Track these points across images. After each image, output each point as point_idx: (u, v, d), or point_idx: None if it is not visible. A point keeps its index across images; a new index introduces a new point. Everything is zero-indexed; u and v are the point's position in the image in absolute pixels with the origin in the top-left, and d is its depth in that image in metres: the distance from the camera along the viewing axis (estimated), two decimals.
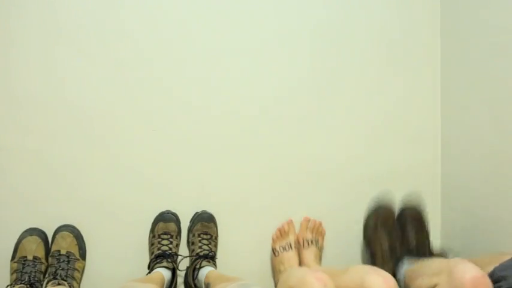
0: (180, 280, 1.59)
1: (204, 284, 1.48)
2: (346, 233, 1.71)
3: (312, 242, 1.63)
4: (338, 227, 1.71)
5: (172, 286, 1.53)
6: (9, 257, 1.48)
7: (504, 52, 1.47)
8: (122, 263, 1.58)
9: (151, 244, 1.57)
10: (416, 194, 1.69)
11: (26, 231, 1.50)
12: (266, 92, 1.69)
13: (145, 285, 1.37)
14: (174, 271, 1.53)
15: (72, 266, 1.49)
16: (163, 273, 1.50)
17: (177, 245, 1.58)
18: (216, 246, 1.61)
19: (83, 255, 1.54)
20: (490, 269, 1.18)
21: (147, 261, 1.56)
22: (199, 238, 1.57)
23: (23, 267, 1.45)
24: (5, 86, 1.56)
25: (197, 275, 1.53)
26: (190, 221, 1.62)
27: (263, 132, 1.68)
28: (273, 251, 1.64)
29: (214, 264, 1.56)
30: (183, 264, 1.58)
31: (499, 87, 1.49)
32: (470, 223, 1.60)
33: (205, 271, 1.51)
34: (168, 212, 1.59)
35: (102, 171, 1.59)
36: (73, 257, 1.51)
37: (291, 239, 1.63)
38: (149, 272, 1.53)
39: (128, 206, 1.60)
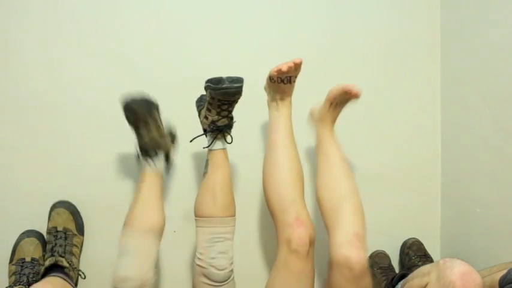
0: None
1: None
2: None
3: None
4: None
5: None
6: (7, 260, 1.47)
7: (504, 52, 1.46)
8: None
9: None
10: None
11: (23, 233, 1.50)
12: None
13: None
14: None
15: (70, 242, 1.47)
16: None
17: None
18: None
19: (80, 230, 1.51)
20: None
21: None
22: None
23: (21, 269, 1.44)
24: (5, 85, 1.54)
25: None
26: None
27: (264, 133, 1.67)
28: (270, 77, 1.43)
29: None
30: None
31: (499, 87, 1.49)
32: (470, 223, 1.61)
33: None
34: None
35: (101, 172, 1.58)
36: (70, 233, 1.48)
37: (293, 74, 1.42)
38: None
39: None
